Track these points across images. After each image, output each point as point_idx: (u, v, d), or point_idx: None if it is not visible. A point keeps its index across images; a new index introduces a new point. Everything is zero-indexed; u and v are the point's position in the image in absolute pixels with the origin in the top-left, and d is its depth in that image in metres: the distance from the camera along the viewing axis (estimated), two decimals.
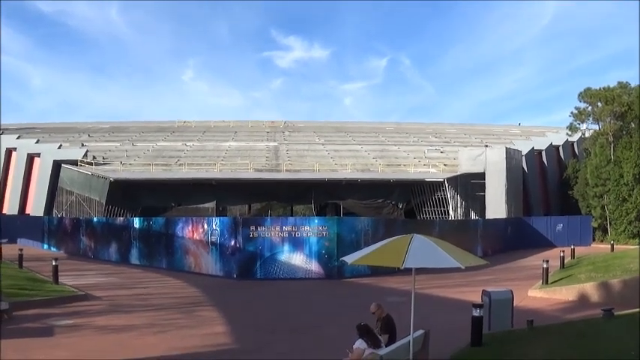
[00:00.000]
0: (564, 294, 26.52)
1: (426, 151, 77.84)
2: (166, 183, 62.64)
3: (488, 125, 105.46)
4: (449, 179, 62.62)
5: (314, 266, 34.09)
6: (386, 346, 12.41)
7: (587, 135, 72.46)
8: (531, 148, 75.93)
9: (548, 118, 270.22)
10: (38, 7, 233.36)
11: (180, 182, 63.02)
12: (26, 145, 75.41)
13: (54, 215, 63.49)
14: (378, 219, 43.66)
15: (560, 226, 61.97)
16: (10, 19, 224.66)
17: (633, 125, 65.71)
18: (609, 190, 62.59)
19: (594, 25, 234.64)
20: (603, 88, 67.45)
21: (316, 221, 36.39)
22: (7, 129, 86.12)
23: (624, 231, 62.15)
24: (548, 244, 58.08)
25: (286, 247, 34.17)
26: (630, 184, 61.48)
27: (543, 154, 78.41)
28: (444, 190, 62.46)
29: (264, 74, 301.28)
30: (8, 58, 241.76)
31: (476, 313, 15.66)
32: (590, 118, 69.75)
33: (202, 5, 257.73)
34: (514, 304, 18.89)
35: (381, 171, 68.93)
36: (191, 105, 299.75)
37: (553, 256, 37.93)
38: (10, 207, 74.00)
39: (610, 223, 63.99)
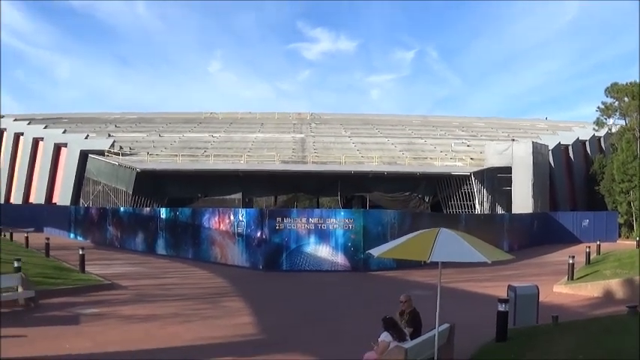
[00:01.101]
0: (589, 290, 26.40)
1: (452, 145, 77.57)
2: (193, 174, 62.91)
3: (515, 119, 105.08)
4: (475, 173, 62.51)
5: (340, 258, 34.10)
6: (411, 340, 12.42)
7: (613, 130, 71.90)
8: (558, 142, 75.50)
9: (575, 112, 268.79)
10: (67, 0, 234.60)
11: (206, 173, 63.21)
12: (53, 135, 75.85)
13: (81, 205, 63.83)
14: (404, 212, 43.54)
15: (586, 222, 61.53)
16: (38, 9, 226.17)
17: None
18: (635, 186, 61.99)
19: (620, 18, 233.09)
20: (630, 83, 66.75)
21: (342, 213, 36.40)
22: (34, 119, 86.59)
23: None
24: (574, 240, 57.72)
25: (312, 239, 34.20)
26: None
27: (570, 149, 77.87)
28: (470, 184, 62.35)
29: (291, 66, 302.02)
30: (35, 49, 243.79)
31: (501, 307, 15.63)
32: (617, 113, 69.25)
33: None
34: (539, 300, 18.81)
35: (407, 164, 68.75)
36: (218, 96, 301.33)
37: (579, 251, 37.69)
38: (37, 196, 74.62)
39: (636, 220, 63.53)
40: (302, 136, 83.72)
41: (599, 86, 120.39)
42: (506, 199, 63.53)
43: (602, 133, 76.47)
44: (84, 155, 68.09)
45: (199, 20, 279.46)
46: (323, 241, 34.16)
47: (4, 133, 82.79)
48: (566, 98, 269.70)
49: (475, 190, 62.21)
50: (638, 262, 28.00)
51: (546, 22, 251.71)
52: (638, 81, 66.73)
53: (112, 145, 70.13)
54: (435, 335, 12.17)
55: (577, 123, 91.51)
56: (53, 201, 72.66)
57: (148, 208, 52.03)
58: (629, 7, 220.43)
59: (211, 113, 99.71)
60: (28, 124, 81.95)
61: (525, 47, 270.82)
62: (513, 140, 68.59)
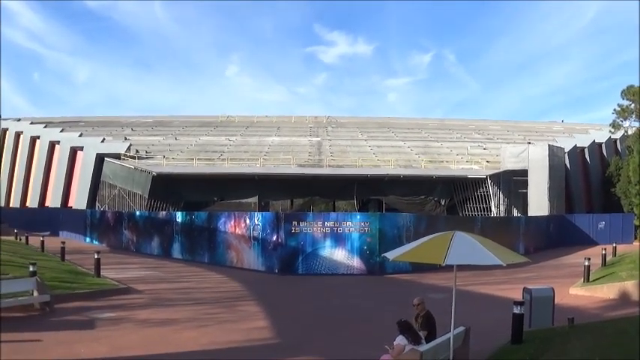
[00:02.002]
0: (605, 292, 26.33)
1: (468, 148, 77.53)
2: (209, 178, 62.86)
3: (531, 122, 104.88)
4: (491, 176, 62.42)
5: (356, 262, 34.13)
6: (426, 343, 12.44)
7: (629, 132, 71.73)
8: (574, 145, 75.35)
9: (592, 115, 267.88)
10: (84, 2, 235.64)
11: (222, 177, 63.20)
12: (69, 139, 76.14)
13: (96, 208, 64.06)
14: (419, 215, 43.65)
15: (602, 224, 61.32)
16: (56, 12, 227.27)
17: None
18: None
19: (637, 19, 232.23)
20: None
21: (358, 217, 36.32)
22: (50, 122, 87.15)
23: None
24: (590, 242, 57.52)
25: (328, 243, 34.24)
26: None
27: (586, 151, 77.77)
28: (486, 187, 62.28)
29: (308, 69, 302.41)
30: (53, 53, 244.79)
31: (517, 310, 15.62)
32: (633, 116, 69.06)
33: (246, 0, 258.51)
34: (555, 302, 18.78)
35: (423, 167, 68.62)
36: (235, 100, 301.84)
37: (595, 253, 37.56)
38: (53, 200, 74.93)
39: None
40: (318, 139, 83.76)
41: (618, 88, 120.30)
42: (522, 202, 63.41)
43: (618, 135, 76.35)
44: (100, 159, 68.37)
45: (217, 24, 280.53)
46: (339, 245, 34.18)
47: (21, 136, 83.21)
48: (583, 101, 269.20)
49: (491, 193, 62.13)
50: None
51: (565, 23, 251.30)
52: None
53: (129, 149, 70.37)
54: (450, 338, 12.18)
55: (593, 125, 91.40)
56: (69, 205, 72.93)
57: (163, 212, 52.23)
58: None
59: (228, 117, 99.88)
60: (45, 127, 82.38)
61: (544, 49, 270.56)
62: (529, 143, 68.44)
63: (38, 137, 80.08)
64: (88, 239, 57.57)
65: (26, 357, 14.57)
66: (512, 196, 63.36)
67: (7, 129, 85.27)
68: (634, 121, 69.78)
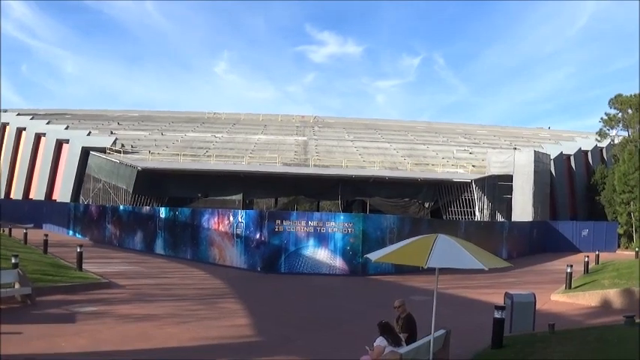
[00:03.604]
0: (587, 299, 26.42)
1: (454, 152, 77.86)
2: (194, 174, 62.88)
3: (518, 128, 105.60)
4: (476, 180, 62.60)
5: (338, 262, 34.08)
6: (406, 345, 12.44)
7: (616, 141, 72.07)
8: (560, 152, 75.85)
9: (581, 122, 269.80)
10: None
11: (207, 174, 63.17)
12: (55, 131, 76.09)
13: (80, 202, 63.95)
14: (403, 217, 43.66)
15: (585, 232, 61.59)
16: (48, 4, 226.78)
17: None
18: (636, 197, 62.13)
19: (631, 28, 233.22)
20: (634, 95, 66.91)
21: (342, 217, 36.28)
22: (36, 114, 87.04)
23: None
24: (573, 249, 57.86)
25: (311, 242, 34.17)
26: None
27: (572, 158, 78.19)
28: (471, 191, 62.44)
29: (298, 68, 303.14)
30: (43, 45, 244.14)
31: (497, 314, 15.64)
32: (620, 125, 69.39)
33: None
34: (536, 308, 18.81)
35: (409, 170, 68.77)
36: (223, 97, 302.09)
37: (577, 260, 37.78)
38: (38, 192, 74.75)
39: (636, 230, 63.55)
40: (304, 139, 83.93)
41: (607, 97, 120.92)
42: (507, 207, 63.63)
43: (604, 143, 76.79)
44: (85, 152, 68.30)
45: (208, 20, 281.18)
46: (322, 245, 34.13)
47: (7, 127, 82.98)
48: (572, 108, 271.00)
49: (476, 197, 62.29)
50: (639, 272, 28.04)
51: (557, 30, 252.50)
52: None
53: (114, 143, 70.32)
54: (430, 341, 12.19)
55: (580, 133, 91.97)
56: (53, 197, 72.87)
57: (147, 207, 52.08)
58: None
59: (214, 113, 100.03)
60: (31, 119, 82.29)
61: (535, 56, 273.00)
62: (515, 149, 68.74)
63: (24, 129, 79.92)
64: (71, 232, 57.55)
65: (7, 350, 14.46)
66: (497, 201, 63.54)
67: None
68: (621, 130, 70.24)
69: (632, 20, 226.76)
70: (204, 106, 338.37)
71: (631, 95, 67.18)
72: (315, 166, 67.82)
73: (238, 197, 64.11)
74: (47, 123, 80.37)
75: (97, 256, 37.50)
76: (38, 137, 77.41)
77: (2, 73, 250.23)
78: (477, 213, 62.25)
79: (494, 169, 64.45)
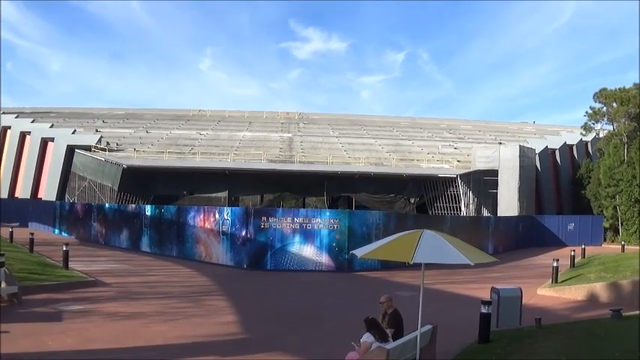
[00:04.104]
0: (573, 293, 26.47)
1: (439, 147, 77.84)
2: (179, 171, 62.74)
3: (502, 123, 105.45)
4: (462, 175, 62.72)
5: (324, 258, 34.10)
6: (393, 341, 12.43)
7: (601, 135, 72.27)
8: (545, 146, 75.79)
9: (566, 116, 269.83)
10: None
11: (193, 171, 63.08)
12: (40, 130, 75.60)
13: (66, 200, 63.73)
14: (389, 213, 43.58)
15: (571, 226, 61.79)
16: (31, 2, 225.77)
17: None
18: (622, 190, 62.46)
19: (615, 23, 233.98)
20: (619, 89, 67.13)
21: (328, 214, 36.36)
22: (22, 112, 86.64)
23: (635, 232, 61.82)
24: (560, 243, 58.08)
25: (297, 239, 34.18)
26: None
27: (557, 153, 78.22)
28: (456, 187, 62.59)
29: (282, 65, 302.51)
30: (27, 43, 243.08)
31: (484, 309, 15.67)
32: (605, 119, 69.57)
33: None
34: (523, 302, 18.85)
35: (394, 165, 68.80)
36: (208, 94, 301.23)
37: (563, 255, 37.84)
38: (23, 191, 74.35)
39: (621, 224, 63.83)
40: (290, 135, 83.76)
41: (591, 91, 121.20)
42: (493, 202, 63.74)
43: (589, 137, 76.83)
44: (70, 150, 67.95)
45: (192, 17, 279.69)
46: (308, 241, 34.14)
47: None
48: (556, 102, 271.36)
49: (461, 192, 62.42)
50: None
51: (541, 25, 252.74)
52: (628, 87, 67.05)
53: (99, 141, 69.97)
54: (417, 336, 12.19)
55: (565, 127, 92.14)
56: (39, 196, 72.50)
57: (133, 205, 51.91)
58: (628, 7, 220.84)
59: (199, 110, 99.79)
60: (16, 117, 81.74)
61: (519, 50, 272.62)
62: (500, 143, 68.73)
63: (9, 127, 79.44)
64: (57, 231, 57.36)
65: None
66: (482, 195, 63.65)
67: None
68: (605, 123, 70.42)
69: (613, 16, 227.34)
70: (189, 102, 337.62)
71: (615, 89, 67.33)
72: (300, 162, 67.65)
73: (224, 194, 64.00)
74: (32, 121, 79.82)
75: (83, 255, 37.43)
76: (23, 136, 76.94)
77: None
78: (462, 208, 62.35)
79: (480, 164, 64.57)
